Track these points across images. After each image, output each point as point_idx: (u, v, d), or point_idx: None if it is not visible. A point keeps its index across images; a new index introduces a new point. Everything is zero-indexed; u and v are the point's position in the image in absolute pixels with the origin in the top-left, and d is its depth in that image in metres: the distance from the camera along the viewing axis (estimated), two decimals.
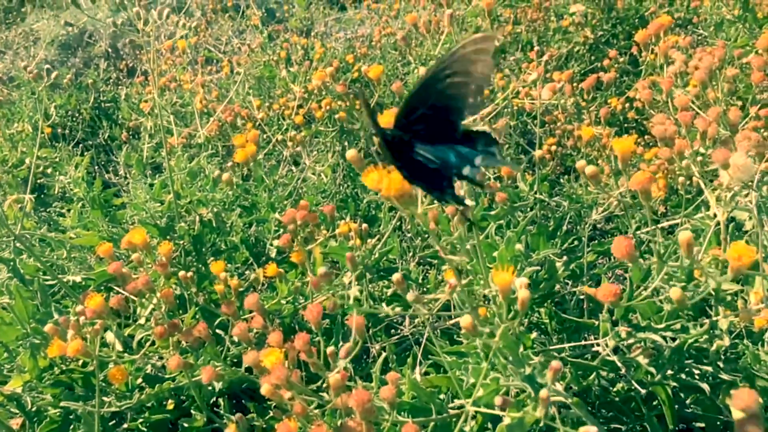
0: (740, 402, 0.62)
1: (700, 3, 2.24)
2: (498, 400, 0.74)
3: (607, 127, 1.77)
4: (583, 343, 1.02)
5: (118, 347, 1.15)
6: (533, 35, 2.72)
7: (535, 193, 1.38)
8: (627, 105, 2.11)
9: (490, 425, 0.93)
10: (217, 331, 1.36)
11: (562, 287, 1.19)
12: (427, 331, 1.05)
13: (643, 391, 0.93)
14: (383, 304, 1.39)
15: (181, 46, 1.66)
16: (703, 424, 1.09)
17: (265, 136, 2.24)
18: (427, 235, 1.63)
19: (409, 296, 0.80)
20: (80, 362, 1.20)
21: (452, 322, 1.31)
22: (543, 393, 0.69)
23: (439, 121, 0.74)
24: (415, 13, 2.45)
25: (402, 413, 0.97)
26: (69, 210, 1.74)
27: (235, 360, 1.32)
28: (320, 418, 0.82)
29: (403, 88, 1.82)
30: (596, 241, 1.76)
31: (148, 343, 1.14)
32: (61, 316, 1.26)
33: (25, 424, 1.20)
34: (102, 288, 1.50)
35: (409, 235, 1.84)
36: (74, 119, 3.00)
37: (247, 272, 1.73)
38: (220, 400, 1.28)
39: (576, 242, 1.37)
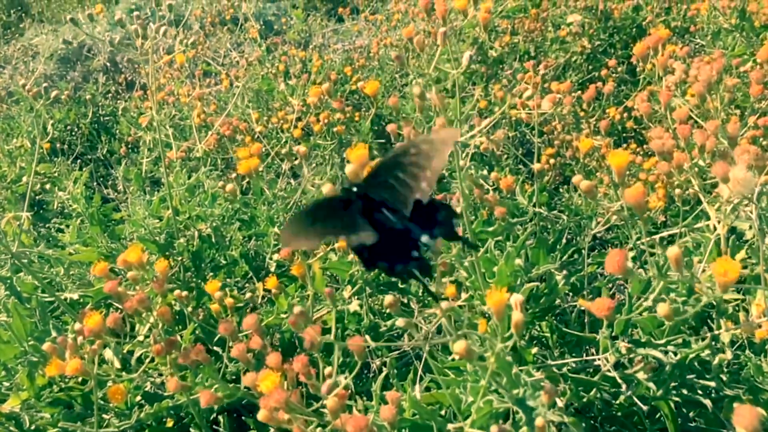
0: (743, 420, 0.61)
1: (696, 12, 2.25)
2: (494, 429, 0.73)
3: (606, 137, 1.77)
4: (583, 358, 1.01)
5: (117, 364, 1.14)
6: (531, 45, 2.73)
7: (534, 205, 1.37)
8: (625, 115, 2.11)
9: None
10: (215, 348, 1.35)
11: (563, 301, 1.19)
12: (426, 348, 1.04)
13: (645, 408, 0.92)
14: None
15: (180, 60, 1.66)
16: None
17: (263, 149, 2.24)
18: None
19: (400, 322, 0.79)
20: (79, 380, 1.19)
21: (459, 333, 1.30)
22: (539, 422, 0.69)
23: (400, 193, 0.76)
24: (412, 26, 2.46)
25: (402, 431, 0.96)
26: (68, 226, 1.73)
27: (234, 377, 1.31)
28: None
29: (400, 102, 1.82)
30: (597, 251, 1.75)
31: (147, 360, 1.14)
32: (59, 333, 1.26)
33: None
34: (101, 304, 1.49)
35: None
36: (73, 133, 3.00)
37: (246, 285, 1.72)
38: (220, 417, 1.27)
39: (576, 254, 1.37)
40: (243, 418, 1.33)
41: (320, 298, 1.39)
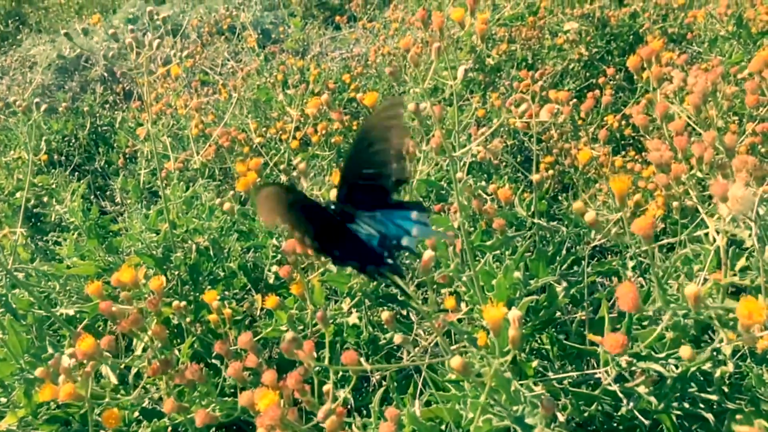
0: None
1: (693, 19, 2.25)
2: None
3: (605, 146, 1.76)
4: (584, 372, 1.00)
5: (113, 380, 1.13)
6: (528, 53, 2.73)
7: (533, 215, 1.37)
8: (623, 122, 2.10)
9: None
10: (214, 360, 1.34)
11: (563, 313, 1.18)
12: (426, 362, 1.03)
13: (647, 422, 0.91)
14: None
15: (175, 72, 1.65)
16: None
17: (262, 159, 2.23)
18: None
19: (397, 338, 0.79)
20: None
21: (454, 348, 1.29)
22: None
23: (373, 189, 0.77)
24: (410, 36, 2.45)
25: None
26: (65, 239, 1.72)
27: (233, 390, 1.30)
28: None
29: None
30: (596, 259, 1.74)
31: (144, 376, 1.13)
32: (56, 350, 1.25)
33: None
34: (98, 318, 1.48)
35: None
36: (71, 144, 2.99)
37: (245, 296, 1.71)
38: None
39: (575, 264, 1.36)
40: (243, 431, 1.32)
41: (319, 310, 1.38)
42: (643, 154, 2.07)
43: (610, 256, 1.83)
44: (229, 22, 4.21)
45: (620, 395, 0.91)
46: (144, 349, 1.17)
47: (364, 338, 1.39)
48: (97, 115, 3.17)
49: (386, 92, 2.94)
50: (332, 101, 2.41)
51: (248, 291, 1.73)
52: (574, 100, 1.79)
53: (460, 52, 2.76)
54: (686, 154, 0.94)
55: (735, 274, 1.04)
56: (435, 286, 1.60)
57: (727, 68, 1.57)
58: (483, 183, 1.77)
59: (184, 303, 1.07)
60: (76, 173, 2.77)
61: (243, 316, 1.51)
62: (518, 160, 2.32)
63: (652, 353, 0.90)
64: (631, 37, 2.67)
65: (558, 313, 1.15)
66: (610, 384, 0.91)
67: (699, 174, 0.89)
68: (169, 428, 1.26)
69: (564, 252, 1.28)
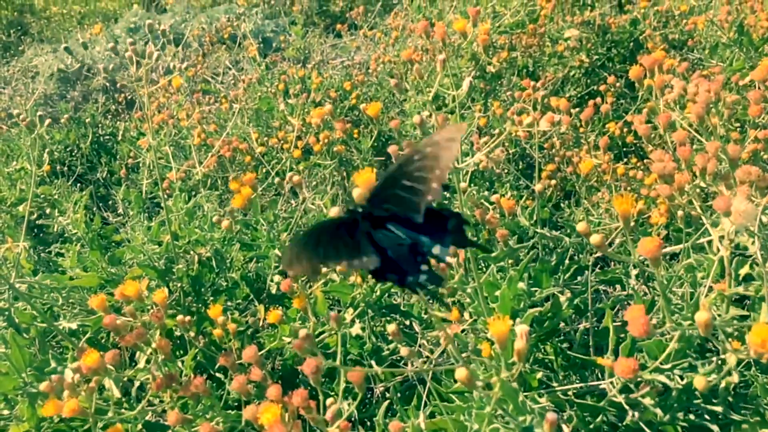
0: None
1: (694, 26, 2.25)
2: None
3: (602, 151, 1.76)
4: (589, 384, 1.00)
5: (117, 393, 1.13)
6: (529, 60, 2.73)
7: (535, 224, 1.37)
8: (625, 129, 2.10)
9: None
10: (217, 374, 1.34)
11: (567, 323, 1.18)
12: (431, 369, 1.03)
13: None
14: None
15: (176, 84, 1.66)
16: None
17: (264, 169, 2.24)
18: None
19: (403, 351, 0.78)
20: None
21: (463, 356, 1.29)
22: None
23: (410, 201, 0.76)
24: (411, 48, 2.46)
25: None
26: (68, 250, 1.73)
27: (237, 402, 1.30)
28: None
29: (401, 124, 1.82)
30: (599, 266, 1.74)
31: (147, 388, 1.13)
32: (58, 363, 1.25)
33: None
34: (100, 330, 1.48)
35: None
36: (73, 154, 3.00)
37: (248, 306, 1.71)
38: None
39: (578, 273, 1.36)
40: None
41: (322, 321, 1.38)
42: (645, 161, 2.07)
43: (613, 264, 1.82)
44: (230, 31, 4.22)
45: (626, 407, 0.90)
46: (147, 362, 1.16)
47: (367, 349, 1.39)
48: (99, 125, 3.18)
49: (387, 100, 2.95)
50: (334, 110, 2.42)
51: (251, 301, 1.72)
52: (576, 109, 1.79)
53: (461, 60, 2.76)
54: (689, 163, 0.94)
55: (739, 284, 1.04)
56: (435, 297, 1.60)
57: (729, 76, 1.57)
58: (485, 192, 1.77)
59: (188, 318, 1.06)
60: (78, 183, 2.77)
61: (246, 327, 1.50)
62: (520, 167, 2.32)
63: (658, 365, 0.90)
64: (632, 44, 2.68)
65: (562, 324, 1.15)
66: (615, 396, 0.91)
67: (702, 184, 0.89)
68: None
69: (567, 261, 1.28)
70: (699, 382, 0.74)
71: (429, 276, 0.72)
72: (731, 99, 1.23)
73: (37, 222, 2.31)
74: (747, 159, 1.36)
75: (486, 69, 2.69)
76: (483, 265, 1.24)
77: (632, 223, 1.06)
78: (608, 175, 1.78)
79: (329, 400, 0.83)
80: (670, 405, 0.90)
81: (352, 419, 1.24)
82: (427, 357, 1.40)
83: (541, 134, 1.21)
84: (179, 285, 1.49)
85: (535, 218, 1.39)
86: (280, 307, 1.57)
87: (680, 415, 0.96)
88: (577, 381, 1.17)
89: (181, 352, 1.48)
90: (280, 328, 1.38)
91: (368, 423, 1.29)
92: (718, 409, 0.93)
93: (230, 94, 2.75)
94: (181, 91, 2.21)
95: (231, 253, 1.70)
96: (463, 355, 0.98)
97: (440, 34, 1.15)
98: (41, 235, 2.33)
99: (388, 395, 1.34)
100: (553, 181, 1.65)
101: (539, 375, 1.04)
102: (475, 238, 1.29)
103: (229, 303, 1.65)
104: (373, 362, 1.35)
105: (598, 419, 0.95)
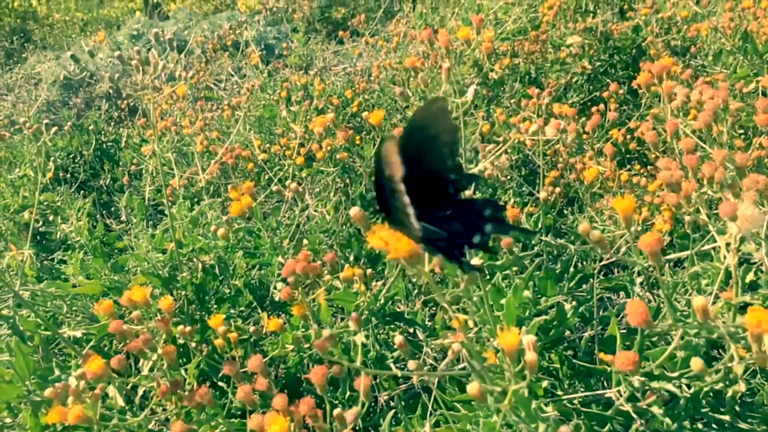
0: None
1: (696, 33, 2.25)
2: None
3: (608, 159, 1.76)
4: (596, 392, 0.99)
5: (120, 402, 1.13)
6: (531, 67, 2.74)
7: (540, 231, 1.36)
8: (628, 136, 2.10)
9: None
10: (220, 383, 1.34)
11: (572, 331, 1.17)
12: (436, 382, 1.02)
13: None
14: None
15: (181, 92, 1.66)
16: None
17: (266, 176, 2.24)
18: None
19: (411, 365, 0.78)
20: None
21: (461, 366, 1.28)
22: None
23: (436, 188, 0.73)
24: (414, 56, 2.46)
25: None
26: (71, 258, 1.72)
27: (240, 412, 1.29)
28: None
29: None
30: (603, 273, 1.73)
31: (150, 396, 1.12)
32: (62, 371, 1.24)
33: None
34: (103, 338, 1.48)
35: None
36: (75, 161, 3.00)
37: (251, 313, 1.71)
38: None
39: (583, 280, 1.35)
40: None
41: (325, 329, 1.38)
42: (649, 168, 2.07)
43: (617, 271, 1.82)
44: (233, 38, 4.23)
45: (634, 415, 0.90)
46: (151, 369, 1.16)
47: (371, 357, 1.38)
48: (102, 131, 3.18)
49: (389, 107, 2.95)
50: (336, 117, 2.42)
51: (254, 308, 1.72)
52: (581, 114, 1.79)
53: (463, 67, 2.76)
54: (696, 171, 0.94)
55: (746, 292, 1.03)
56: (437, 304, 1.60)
57: (733, 83, 1.57)
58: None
59: (191, 328, 1.06)
60: (81, 191, 2.77)
61: (249, 335, 1.50)
62: (523, 173, 2.31)
63: (665, 373, 0.89)
64: (634, 50, 2.68)
65: (567, 332, 1.14)
66: (622, 405, 0.90)
67: (710, 193, 0.89)
68: None
69: (571, 269, 1.28)
70: (695, 363, 0.74)
71: (466, 266, 0.69)
72: (736, 106, 1.23)
73: (39, 229, 2.31)
74: (750, 166, 1.36)
75: (488, 76, 2.69)
76: (488, 272, 1.23)
77: (634, 225, 1.06)
78: (612, 182, 1.78)
79: (336, 411, 0.83)
80: (677, 413, 0.90)
81: (357, 428, 1.24)
82: (431, 365, 1.40)
83: (545, 141, 1.21)
84: (183, 293, 1.48)
85: (540, 226, 1.39)
86: (283, 315, 1.57)
87: (687, 423, 0.96)
88: (582, 389, 1.17)
89: (184, 360, 1.47)
90: (282, 335, 1.38)
91: None
92: (726, 417, 0.92)
93: (233, 101, 2.75)
94: (183, 99, 2.21)
95: (234, 260, 1.70)
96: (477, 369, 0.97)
97: (444, 41, 1.16)
98: (43, 242, 2.33)
99: (392, 404, 1.33)
100: (558, 189, 1.65)
101: (545, 383, 1.03)
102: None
103: (232, 311, 1.64)
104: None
105: (606, 428, 0.95)
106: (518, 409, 0.80)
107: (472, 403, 1.00)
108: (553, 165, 2.10)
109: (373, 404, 1.39)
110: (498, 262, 1.09)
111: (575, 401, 1.02)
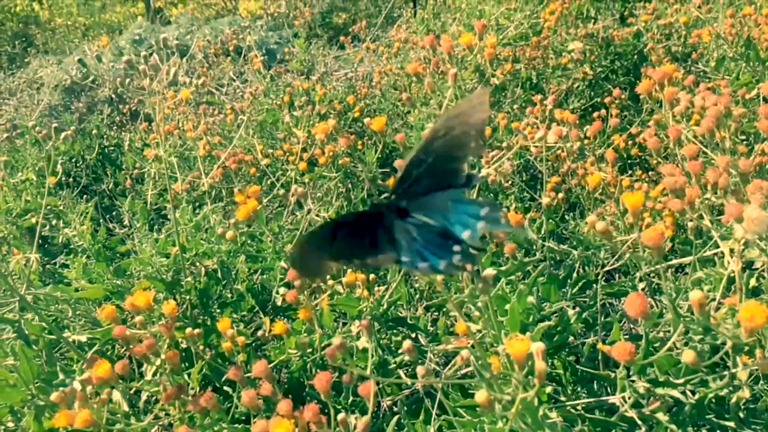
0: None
1: (698, 39, 2.26)
2: None
3: (610, 165, 1.76)
4: (600, 398, 0.99)
5: (124, 407, 1.13)
6: (532, 72, 2.74)
7: (543, 237, 1.37)
8: (630, 142, 2.11)
9: None
10: (224, 387, 1.34)
11: (575, 337, 1.17)
12: (440, 387, 1.02)
13: None
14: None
15: (185, 96, 1.67)
16: None
17: (269, 180, 2.24)
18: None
19: (419, 370, 0.78)
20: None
21: (464, 371, 1.28)
22: None
23: (442, 171, 0.75)
24: (417, 62, 2.47)
25: None
26: (73, 262, 1.73)
27: (243, 417, 1.29)
28: None
29: (405, 137, 1.82)
30: (604, 279, 1.73)
31: (155, 401, 1.12)
32: (66, 375, 1.24)
33: None
34: (106, 342, 1.48)
35: (416, 276, 1.83)
36: (78, 165, 3.01)
37: (253, 318, 1.71)
38: None
39: (586, 286, 1.35)
40: None
41: (327, 333, 1.38)
42: (650, 173, 2.07)
43: (618, 276, 1.82)
44: (235, 43, 4.24)
45: (638, 421, 0.90)
46: (154, 374, 1.16)
47: (374, 362, 1.38)
48: (105, 136, 3.19)
49: (391, 112, 2.96)
50: (338, 122, 2.42)
51: (256, 313, 1.72)
52: (582, 119, 1.80)
53: (465, 72, 2.77)
54: (699, 177, 0.94)
55: (749, 297, 1.03)
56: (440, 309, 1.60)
57: (735, 89, 1.57)
58: None
59: (198, 330, 1.06)
60: (83, 194, 2.78)
61: (252, 339, 1.50)
62: (524, 178, 2.32)
63: (670, 379, 0.89)
64: (636, 56, 2.69)
65: (571, 338, 1.15)
66: (626, 411, 0.90)
67: (713, 199, 0.89)
68: None
69: (574, 275, 1.28)
70: (687, 356, 0.74)
71: (462, 256, 0.71)
72: (738, 112, 1.23)
73: (41, 233, 2.31)
74: (752, 172, 1.36)
75: (490, 81, 2.70)
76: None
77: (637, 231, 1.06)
78: (614, 188, 1.78)
79: (340, 416, 0.83)
80: (682, 420, 0.90)
81: None
82: (435, 370, 1.40)
83: (547, 147, 1.22)
84: (187, 297, 1.49)
85: (543, 231, 1.39)
86: (285, 319, 1.57)
87: (691, 430, 0.96)
88: (585, 395, 1.17)
89: (187, 364, 1.48)
90: (286, 340, 1.38)
91: None
92: (731, 424, 0.92)
93: (236, 106, 2.76)
94: (186, 103, 2.22)
95: (236, 265, 1.70)
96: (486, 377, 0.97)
97: (447, 47, 1.16)
98: (45, 246, 2.33)
99: (395, 409, 1.33)
100: (561, 195, 1.66)
101: (549, 389, 1.04)
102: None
103: (234, 315, 1.64)
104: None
105: None
106: (524, 415, 0.80)
107: (477, 409, 1.00)
108: (554, 170, 2.10)
109: (375, 409, 1.39)
110: (502, 268, 1.09)
111: (579, 407, 1.02)
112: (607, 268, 1.22)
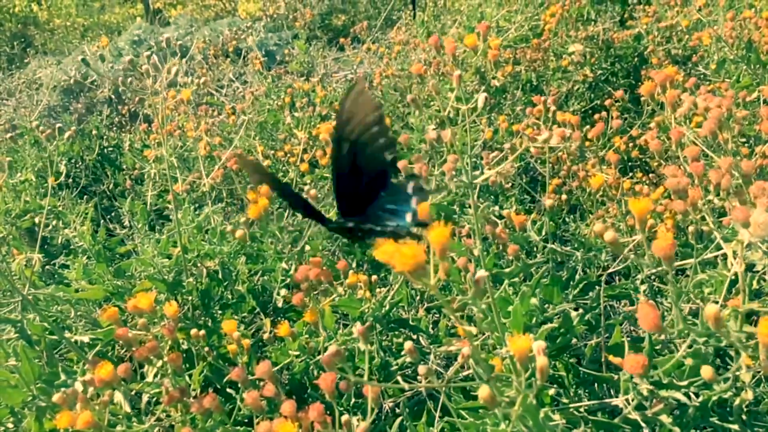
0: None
1: (699, 42, 2.26)
2: None
3: (612, 167, 1.77)
4: (603, 401, 0.99)
5: (126, 408, 1.12)
6: (533, 75, 2.75)
7: (545, 239, 1.37)
8: (630, 144, 2.11)
9: None
10: (226, 388, 1.33)
11: (578, 339, 1.17)
12: (443, 392, 1.02)
13: None
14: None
15: (186, 96, 1.66)
16: None
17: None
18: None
19: (421, 369, 0.78)
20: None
21: (466, 373, 1.28)
22: None
23: (371, 184, 0.79)
24: (420, 63, 2.47)
25: None
26: (73, 262, 1.72)
27: (247, 419, 1.29)
28: None
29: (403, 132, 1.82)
30: (604, 278, 1.73)
31: (157, 403, 1.12)
32: (68, 376, 1.24)
33: None
34: (108, 343, 1.48)
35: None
36: (77, 166, 3.00)
37: (254, 320, 1.71)
38: None
39: (587, 288, 1.35)
40: None
41: (329, 335, 1.38)
42: (651, 176, 2.08)
43: (619, 279, 1.82)
44: (235, 44, 4.24)
45: (641, 423, 0.90)
46: (155, 376, 1.16)
47: (375, 364, 1.38)
48: (104, 136, 3.18)
49: (391, 114, 2.96)
50: None
51: (256, 314, 1.72)
52: (586, 126, 1.80)
53: (465, 74, 2.77)
54: (702, 179, 0.94)
55: (751, 299, 1.03)
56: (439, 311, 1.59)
57: (736, 92, 1.57)
58: (491, 206, 1.77)
59: (203, 332, 1.06)
60: (83, 195, 2.77)
61: (255, 340, 1.50)
62: (523, 180, 2.32)
63: (673, 381, 0.89)
64: (636, 58, 2.69)
65: (574, 340, 1.15)
66: (630, 413, 0.90)
67: (716, 201, 0.89)
68: None
69: (577, 277, 1.28)
70: (705, 372, 0.74)
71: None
72: (741, 114, 1.23)
73: (41, 234, 2.30)
74: (754, 174, 1.36)
75: (490, 83, 2.70)
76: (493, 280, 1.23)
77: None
78: (615, 190, 1.78)
79: (344, 417, 0.83)
80: (686, 422, 0.90)
81: None
82: (436, 371, 1.40)
83: (550, 150, 1.22)
84: (189, 298, 1.48)
85: (544, 233, 1.39)
86: (286, 321, 1.57)
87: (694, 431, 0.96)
88: (586, 397, 1.17)
89: (187, 366, 1.47)
90: (287, 342, 1.37)
91: None
92: (735, 426, 0.92)
93: (237, 107, 2.76)
94: (188, 103, 2.22)
95: (237, 266, 1.70)
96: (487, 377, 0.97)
97: (450, 49, 1.16)
98: (45, 246, 2.33)
99: (397, 410, 1.33)
100: (564, 196, 1.66)
101: (551, 391, 1.03)
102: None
103: (235, 316, 1.64)
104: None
105: None
106: (525, 417, 0.80)
107: (479, 411, 1.00)
108: (555, 173, 2.10)
109: (377, 411, 1.38)
110: (506, 270, 1.09)
111: (582, 409, 1.02)
112: (610, 271, 1.22)
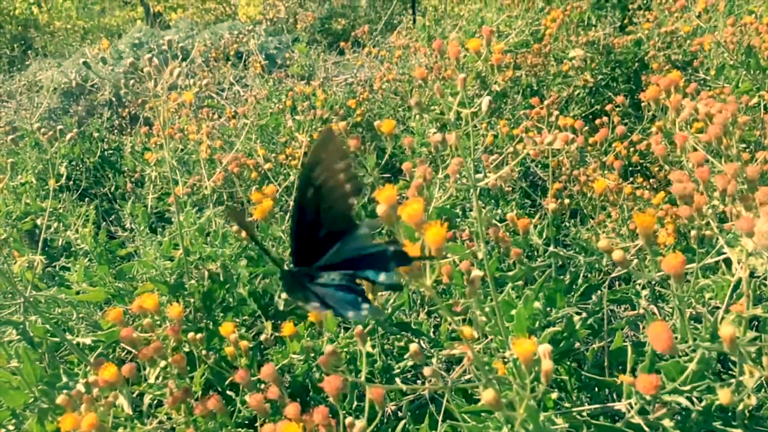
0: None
1: (699, 47, 2.27)
2: None
3: (613, 171, 1.77)
4: (606, 405, 0.99)
5: (128, 410, 1.12)
6: (533, 79, 2.75)
7: (547, 242, 1.37)
8: (631, 149, 2.11)
9: None
10: (227, 391, 1.33)
11: (581, 343, 1.17)
12: (446, 394, 1.02)
13: None
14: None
15: (188, 98, 1.67)
16: None
17: (275, 187, 2.24)
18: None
19: (426, 371, 0.78)
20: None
21: (468, 377, 1.28)
22: None
23: (331, 221, 0.76)
24: (422, 68, 2.48)
25: None
26: (75, 265, 1.72)
27: (248, 421, 1.29)
28: None
29: (403, 135, 1.82)
30: (605, 281, 1.74)
31: (159, 405, 1.12)
32: (69, 378, 1.24)
33: None
34: (110, 345, 1.47)
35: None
36: (78, 169, 3.00)
37: (255, 322, 1.70)
38: None
39: (589, 292, 1.35)
40: None
41: (330, 338, 1.38)
42: (651, 181, 2.08)
43: (619, 284, 1.82)
44: (236, 48, 4.25)
45: (644, 428, 0.90)
46: (158, 377, 1.16)
47: (378, 367, 1.38)
48: (104, 139, 3.19)
49: (392, 118, 2.96)
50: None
51: (258, 317, 1.72)
52: (583, 125, 1.80)
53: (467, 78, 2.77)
54: (706, 184, 0.95)
55: (755, 305, 1.04)
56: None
57: (737, 97, 1.58)
58: (494, 209, 1.77)
59: (201, 335, 1.06)
60: (84, 198, 2.77)
61: (256, 343, 1.50)
62: (523, 185, 2.32)
63: (677, 386, 0.89)
64: (636, 64, 2.70)
65: (577, 344, 1.15)
66: (633, 417, 0.90)
67: (722, 207, 0.90)
68: None
69: (579, 281, 1.28)
70: (723, 396, 0.74)
71: (370, 308, 0.71)
72: (743, 120, 1.24)
73: (41, 236, 2.30)
74: (757, 179, 1.37)
75: (491, 88, 2.71)
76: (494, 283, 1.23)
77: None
78: (616, 195, 1.79)
79: (348, 419, 0.83)
80: (689, 426, 0.90)
81: None
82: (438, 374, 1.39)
83: (551, 153, 1.22)
84: (191, 301, 1.48)
85: (545, 236, 1.40)
86: (291, 321, 1.56)
87: None
88: (588, 401, 1.17)
89: (189, 367, 1.47)
90: (289, 344, 1.37)
91: None
92: (737, 431, 0.92)
93: (239, 110, 2.76)
94: (190, 105, 2.22)
95: (238, 268, 1.70)
96: (489, 378, 0.97)
97: (454, 53, 1.17)
98: (46, 249, 2.32)
99: (400, 414, 1.33)
100: (567, 201, 1.66)
101: (554, 395, 1.04)
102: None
103: (236, 319, 1.64)
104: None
105: None
106: (527, 421, 0.80)
107: (481, 414, 1.00)
108: (555, 177, 2.10)
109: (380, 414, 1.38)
110: (510, 273, 1.10)
111: (584, 413, 1.02)
112: (613, 275, 1.22)
